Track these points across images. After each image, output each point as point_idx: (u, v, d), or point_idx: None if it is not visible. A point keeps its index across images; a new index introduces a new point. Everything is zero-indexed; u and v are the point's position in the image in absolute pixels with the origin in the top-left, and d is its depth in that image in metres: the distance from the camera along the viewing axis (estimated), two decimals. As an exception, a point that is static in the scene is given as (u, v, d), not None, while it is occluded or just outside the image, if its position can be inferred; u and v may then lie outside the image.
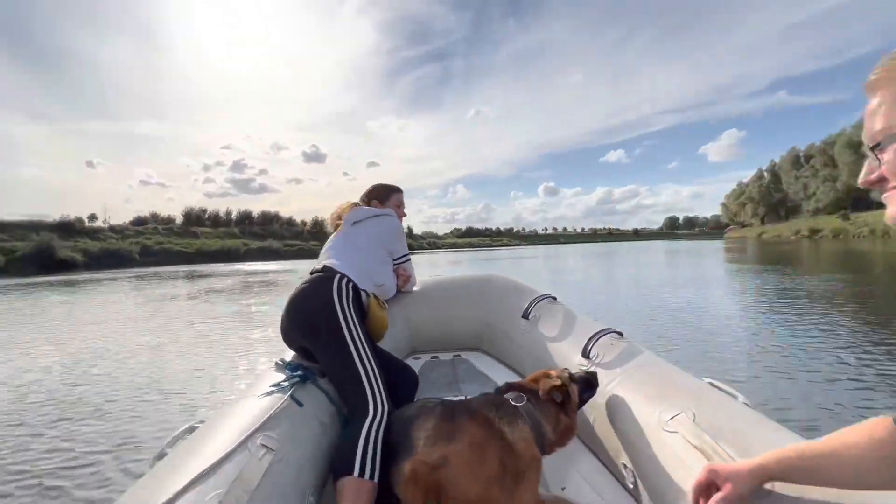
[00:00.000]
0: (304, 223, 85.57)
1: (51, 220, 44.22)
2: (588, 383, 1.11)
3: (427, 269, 17.37)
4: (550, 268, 18.43)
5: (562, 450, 1.05)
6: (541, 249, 59.57)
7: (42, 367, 4.16)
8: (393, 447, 0.99)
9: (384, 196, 1.79)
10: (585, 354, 1.33)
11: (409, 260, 1.85)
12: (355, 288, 1.34)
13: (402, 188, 1.87)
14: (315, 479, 0.95)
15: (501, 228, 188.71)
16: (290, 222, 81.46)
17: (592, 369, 1.22)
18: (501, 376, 1.75)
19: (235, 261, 46.19)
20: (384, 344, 1.52)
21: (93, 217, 56.36)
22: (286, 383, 1.08)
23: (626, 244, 76.67)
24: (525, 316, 1.78)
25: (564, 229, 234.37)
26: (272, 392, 1.04)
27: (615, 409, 1.09)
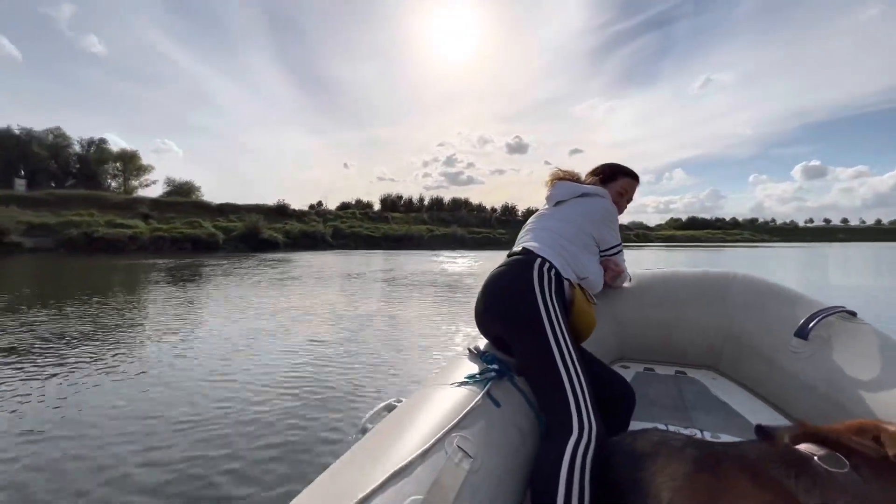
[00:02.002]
0: (493, 210, 79.98)
1: (270, 205, 49.00)
2: None
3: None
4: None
5: None
6: (811, 249, 37.75)
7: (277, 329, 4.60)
8: (614, 483, 0.77)
9: (609, 175, 1.52)
10: None
11: (622, 251, 1.52)
12: (558, 276, 1.14)
13: None
14: (514, 498, 0.84)
15: (739, 219, 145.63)
16: (479, 208, 77.08)
17: None
18: (754, 412, 1.37)
19: (418, 248, 42.87)
20: (586, 346, 1.28)
21: (319, 203, 62.90)
22: (480, 377, 0.98)
23: None
24: (802, 335, 1.32)
25: (845, 221, 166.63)
26: (466, 384, 0.95)
27: None
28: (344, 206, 64.58)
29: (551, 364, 0.96)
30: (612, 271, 1.56)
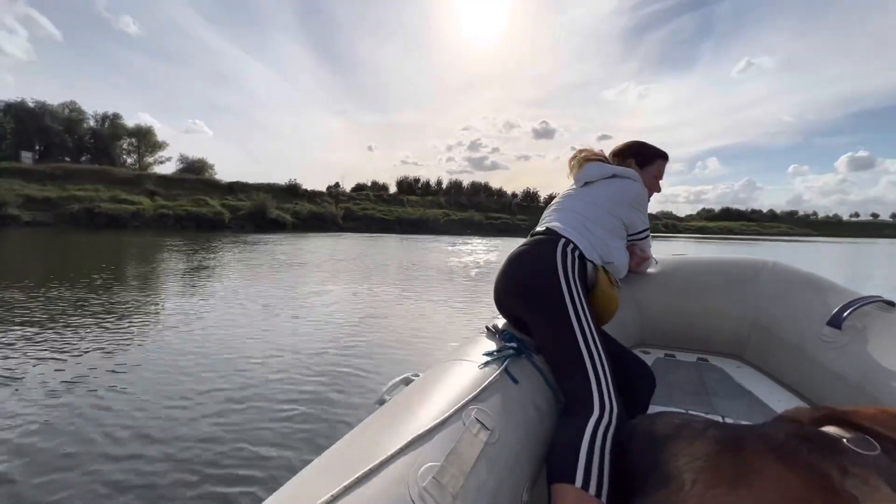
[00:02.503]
0: (514, 195, 76.94)
1: (281, 184, 47.56)
2: None
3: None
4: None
5: None
6: (857, 245, 34.49)
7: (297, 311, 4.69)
8: (632, 468, 0.74)
9: (644, 159, 1.46)
10: None
11: (649, 237, 1.48)
12: (581, 257, 1.12)
13: None
14: (531, 472, 0.82)
15: (776, 211, 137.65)
16: (499, 193, 74.14)
17: None
18: (780, 401, 1.35)
19: (433, 232, 40.80)
20: (606, 330, 1.23)
21: (336, 185, 61.43)
22: (499, 354, 0.96)
23: None
24: (835, 324, 1.29)
25: (894, 216, 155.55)
26: (485, 361, 0.94)
27: None
28: (359, 188, 62.84)
29: (573, 343, 0.95)
30: (638, 257, 1.58)
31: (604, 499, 0.72)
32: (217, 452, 1.84)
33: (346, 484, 0.53)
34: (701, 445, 0.66)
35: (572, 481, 0.73)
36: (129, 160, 51.09)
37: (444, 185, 73.69)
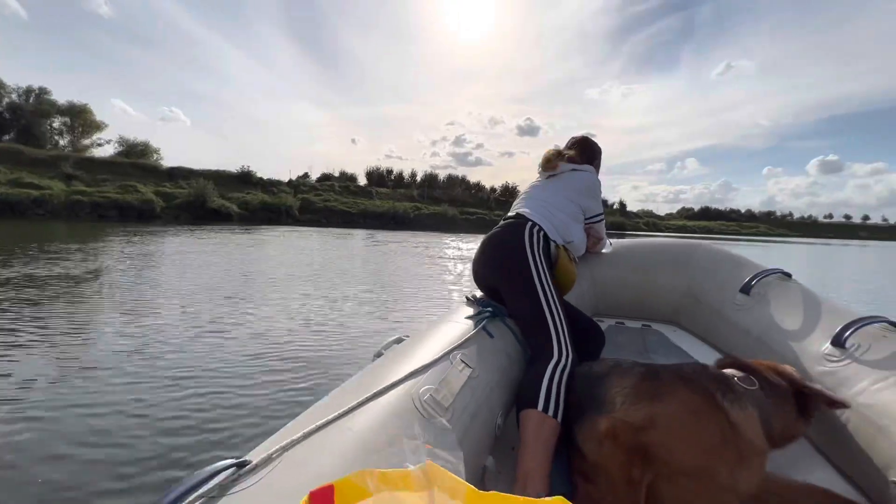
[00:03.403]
0: (492, 189, 73.52)
1: (232, 171, 42.80)
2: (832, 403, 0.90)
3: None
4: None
5: (781, 453, 0.89)
6: (840, 248, 32.26)
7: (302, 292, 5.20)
8: (577, 402, 0.95)
9: (593, 157, 1.73)
10: (839, 343, 1.12)
11: (603, 220, 1.76)
12: (546, 238, 1.34)
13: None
14: (504, 403, 1.03)
15: (753, 212, 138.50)
16: (476, 187, 70.52)
17: (846, 362, 1.07)
18: (703, 356, 1.61)
19: (402, 227, 37.00)
20: (568, 300, 1.44)
21: (306, 175, 56.75)
22: (477, 316, 1.17)
23: None
24: (745, 291, 1.60)
25: (865, 217, 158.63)
26: (466, 322, 1.14)
27: (887, 415, 0.89)
28: (325, 178, 58.18)
29: (538, 306, 1.15)
30: (594, 237, 1.84)
31: (559, 419, 0.92)
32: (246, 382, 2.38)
33: (366, 396, 0.70)
34: (630, 377, 0.87)
35: (535, 406, 0.93)
36: (63, 142, 45.40)
37: (418, 178, 69.51)
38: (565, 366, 1.02)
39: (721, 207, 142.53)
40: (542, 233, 1.31)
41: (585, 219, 1.62)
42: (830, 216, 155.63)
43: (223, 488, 0.49)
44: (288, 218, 37.05)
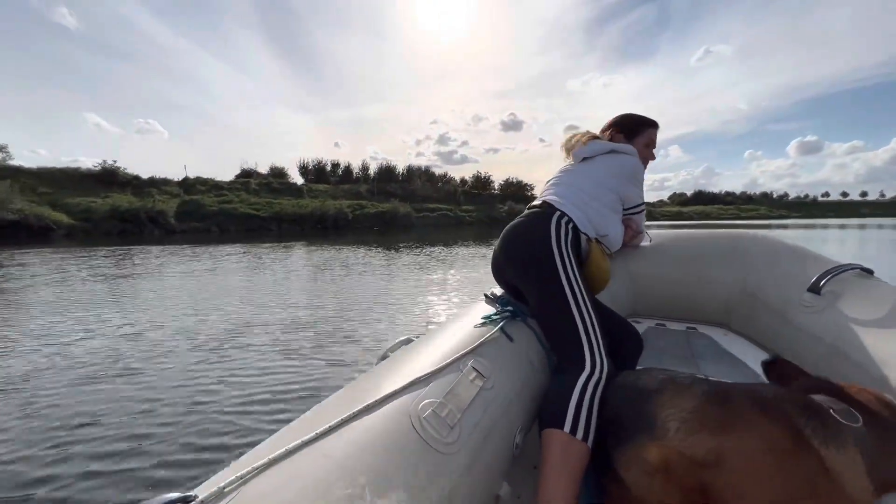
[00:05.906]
0: (462, 181, 63.23)
1: (92, 168, 31.91)
2: None
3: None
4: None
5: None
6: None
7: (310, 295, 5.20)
8: (614, 416, 0.79)
9: (633, 129, 1.49)
10: None
11: (644, 211, 1.53)
12: (575, 230, 1.18)
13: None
14: (523, 418, 0.89)
15: (749, 193, 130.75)
16: (442, 179, 60.19)
17: None
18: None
19: (325, 233, 26.72)
20: (601, 300, 1.34)
21: (247, 173, 46.06)
22: (496, 316, 1.05)
23: None
24: (815, 290, 1.35)
25: (864, 194, 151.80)
26: (483, 322, 1.01)
27: None
28: (245, 174, 47.38)
29: (565, 306, 1.00)
30: (632, 230, 1.61)
31: (589, 444, 0.79)
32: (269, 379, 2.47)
33: (353, 411, 0.60)
34: (687, 399, 0.69)
35: (561, 426, 0.80)
36: None
37: (370, 171, 58.82)
38: (599, 379, 0.89)
39: (705, 192, 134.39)
40: (571, 224, 1.16)
41: (624, 209, 1.43)
42: (827, 194, 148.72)
43: None
44: (157, 228, 26.32)
